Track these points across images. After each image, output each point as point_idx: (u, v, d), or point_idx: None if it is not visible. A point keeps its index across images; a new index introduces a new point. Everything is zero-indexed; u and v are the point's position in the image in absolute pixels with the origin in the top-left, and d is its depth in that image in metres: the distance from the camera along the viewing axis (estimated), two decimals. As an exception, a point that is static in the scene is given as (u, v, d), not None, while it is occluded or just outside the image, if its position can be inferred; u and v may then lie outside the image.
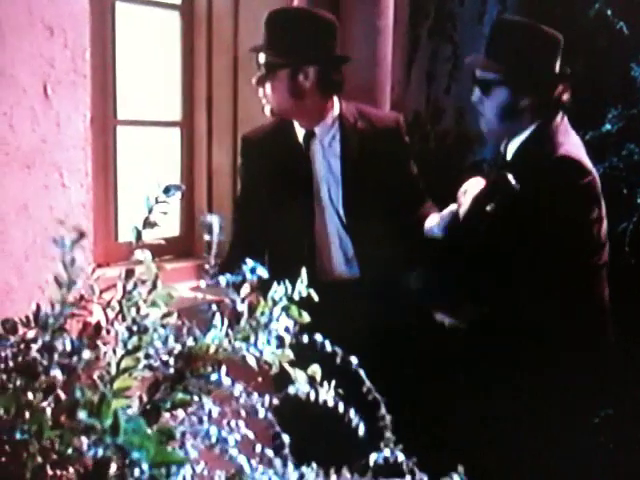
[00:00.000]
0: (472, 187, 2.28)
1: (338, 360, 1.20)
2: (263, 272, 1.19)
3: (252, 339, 1.17)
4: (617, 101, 3.02)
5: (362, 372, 1.22)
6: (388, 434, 1.23)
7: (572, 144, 2.21)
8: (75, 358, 1.01)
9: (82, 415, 0.93)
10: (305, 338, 1.20)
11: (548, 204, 2.08)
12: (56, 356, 1.06)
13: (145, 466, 0.88)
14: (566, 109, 2.26)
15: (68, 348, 1.01)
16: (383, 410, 1.23)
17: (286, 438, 1.18)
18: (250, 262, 1.19)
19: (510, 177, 2.12)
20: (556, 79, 2.25)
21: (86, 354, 1.02)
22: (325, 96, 2.47)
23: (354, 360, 1.22)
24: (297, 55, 2.37)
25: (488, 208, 2.15)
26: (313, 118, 2.48)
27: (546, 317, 2.09)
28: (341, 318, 2.31)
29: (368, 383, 1.22)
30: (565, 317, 2.10)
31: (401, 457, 1.24)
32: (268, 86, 2.40)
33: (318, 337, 1.21)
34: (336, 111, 2.51)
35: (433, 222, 2.40)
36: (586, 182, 2.14)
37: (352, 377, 1.22)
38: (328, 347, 1.20)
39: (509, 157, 2.29)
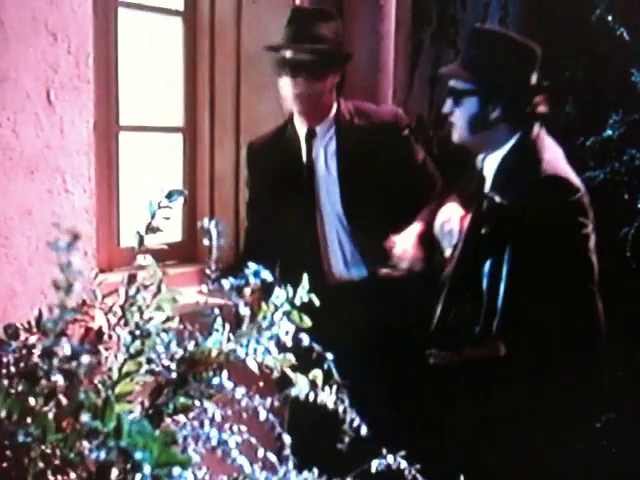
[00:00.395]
0: (452, 217, 2.26)
1: (314, 355, 1.21)
2: (267, 275, 1.19)
3: (253, 343, 1.17)
4: (618, 106, 3.02)
5: (333, 366, 1.22)
6: (351, 416, 1.22)
7: (556, 159, 2.17)
8: (75, 363, 1.02)
9: (85, 418, 0.93)
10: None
11: (538, 224, 2.04)
12: (56, 361, 1.06)
13: (148, 468, 0.89)
14: (544, 121, 2.23)
15: (68, 353, 1.02)
16: (346, 404, 1.23)
17: (287, 439, 1.18)
18: (253, 265, 1.19)
19: (497, 198, 2.11)
20: (530, 91, 2.20)
21: (86, 359, 1.02)
22: (333, 94, 2.50)
23: (329, 356, 1.22)
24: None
25: (483, 231, 2.13)
26: (319, 116, 2.50)
27: (546, 323, 2.08)
28: (347, 320, 2.32)
29: (337, 377, 1.23)
30: (564, 323, 2.10)
31: (404, 464, 1.25)
32: (291, 82, 2.41)
33: (303, 336, 1.21)
34: (334, 109, 2.52)
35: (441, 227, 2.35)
36: (576, 199, 2.11)
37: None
38: (306, 341, 1.20)
39: (489, 174, 2.24)
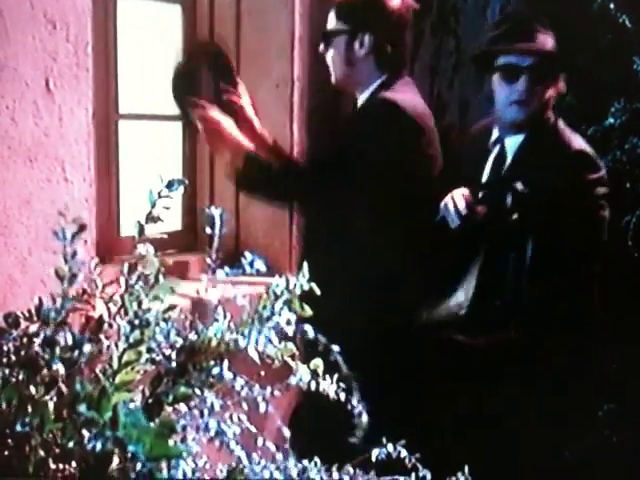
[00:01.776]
0: (453, 194, 2.27)
1: (320, 348, 1.21)
2: (261, 265, 1.19)
3: (255, 333, 1.17)
4: (620, 95, 3.01)
5: (340, 359, 1.22)
6: (362, 419, 1.22)
7: (579, 138, 2.25)
8: (76, 352, 1.02)
9: (82, 408, 0.93)
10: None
11: (565, 202, 2.09)
12: (57, 350, 1.06)
13: (143, 459, 0.88)
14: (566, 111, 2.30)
15: (69, 342, 1.01)
16: (356, 399, 1.23)
17: (287, 432, 1.18)
18: (249, 255, 1.19)
19: (519, 186, 2.13)
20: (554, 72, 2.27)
21: (87, 348, 1.02)
22: None
23: (335, 348, 1.21)
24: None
25: (509, 220, 2.14)
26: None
27: (548, 312, 2.09)
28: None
29: (345, 369, 1.22)
30: (568, 313, 2.10)
31: (404, 453, 1.25)
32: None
33: (307, 327, 1.21)
34: None
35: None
36: (601, 176, 2.19)
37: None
38: (310, 334, 1.20)
39: (510, 152, 2.30)
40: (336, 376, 1.23)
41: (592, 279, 2.18)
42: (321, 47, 2.45)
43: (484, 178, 2.37)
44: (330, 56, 2.43)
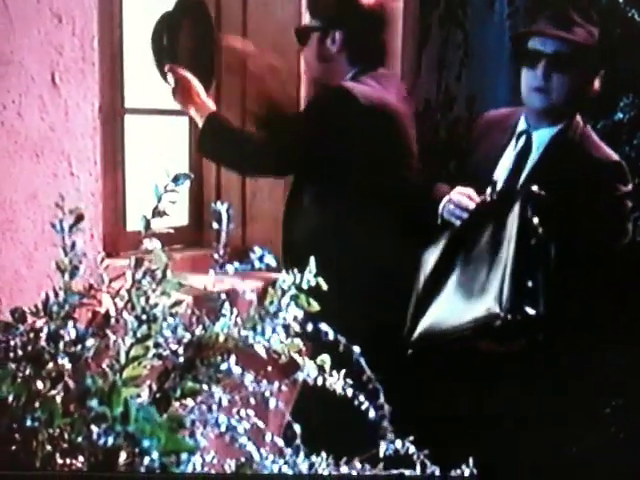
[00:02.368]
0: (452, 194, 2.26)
1: (341, 348, 1.20)
2: (271, 260, 1.19)
3: (269, 330, 1.17)
4: (629, 90, 3.00)
5: (362, 361, 1.21)
6: (385, 423, 1.22)
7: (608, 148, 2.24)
8: (80, 346, 1.01)
9: (93, 403, 0.92)
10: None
11: (589, 205, 2.09)
12: (62, 344, 1.06)
13: (155, 454, 0.88)
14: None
15: (74, 336, 1.01)
16: (382, 399, 1.22)
17: (297, 427, 1.18)
18: (258, 250, 1.18)
19: (535, 189, 2.11)
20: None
21: (91, 342, 1.02)
22: None
23: (356, 349, 1.21)
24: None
25: (533, 226, 2.12)
26: None
27: (560, 311, 2.08)
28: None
29: (368, 372, 1.22)
30: (579, 311, 2.10)
31: (412, 449, 1.24)
32: None
33: (323, 326, 1.20)
34: None
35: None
36: (629, 191, 2.19)
37: None
38: (331, 335, 1.19)
39: (537, 148, 2.27)
40: (343, 372, 1.22)
41: (606, 282, 2.18)
42: (297, 44, 2.48)
43: (500, 171, 2.33)
44: (304, 53, 2.46)
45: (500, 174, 2.32)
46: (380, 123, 2.34)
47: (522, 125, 2.32)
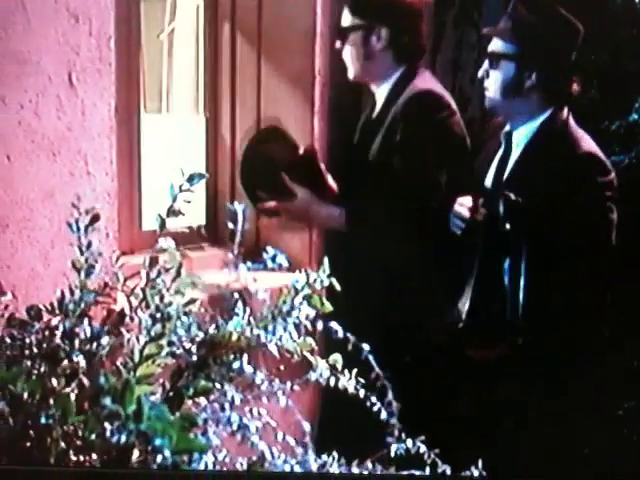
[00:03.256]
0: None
1: (350, 347, 1.21)
2: (283, 260, 1.19)
3: (280, 329, 1.17)
4: (645, 90, 2.98)
5: (372, 359, 1.22)
6: (394, 421, 1.23)
7: (590, 140, 2.21)
8: (96, 344, 1.02)
9: (106, 401, 0.93)
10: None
11: (569, 201, 2.07)
12: (78, 342, 1.07)
13: (167, 453, 0.89)
14: (575, 102, 2.25)
15: (89, 334, 1.02)
16: (390, 397, 1.23)
17: (307, 426, 1.18)
18: (271, 250, 1.19)
19: (512, 196, 2.12)
20: (569, 67, 2.23)
21: (105, 340, 1.03)
22: None
23: (366, 347, 1.21)
24: None
25: (503, 230, 2.14)
26: None
27: (569, 310, 2.08)
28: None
29: (377, 369, 1.22)
30: (586, 309, 2.10)
31: (423, 448, 1.25)
32: None
33: (333, 324, 1.21)
34: None
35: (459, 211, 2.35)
36: (610, 180, 2.15)
37: None
38: (340, 334, 1.20)
39: (517, 147, 2.27)
40: (355, 371, 1.23)
41: (603, 282, 2.16)
42: (337, 43, 2.46)
43: (490, 175, 2.34)
44: (347, 52, 2.44)
45: (490, 179, 2.34)
46: (457, 120, 2.36)
47: (508, 126, 2.33)
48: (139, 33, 2.58)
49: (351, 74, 2.45)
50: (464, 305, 2.22)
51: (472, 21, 3.26)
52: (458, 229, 2.27)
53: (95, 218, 1.12)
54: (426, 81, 2.38)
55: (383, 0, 2.41)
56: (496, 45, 2.28)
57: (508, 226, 2.12)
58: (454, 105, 2.37)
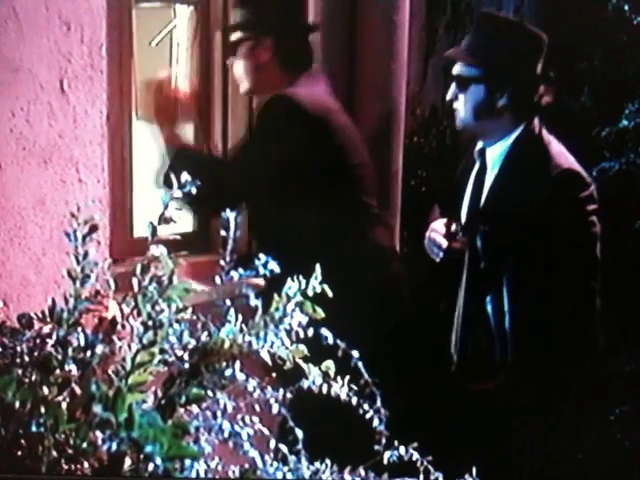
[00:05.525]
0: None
1: (339, 353, 1.21)
2: (275, 267, 1.19)
3: (271, 335, 1.17)
4: (634, 97, 3.00)
5: (361, 365, 1.22)
6: (381, 427, 1.23)
7: (564, 152, 2.16)
8: (89, 353, 1.02)
9: (97, 409, 0.93)
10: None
11: (549, 223, 2.03)
12: (70, 351, 1.06)
13: (159, 460, 0.89)
14: (548, 112, 2.21)
15: (82, 343, 1.02)
16: (379, 403, 1.23)
17: (300, 433, 1.18)
18: (263, 257, 1.19)
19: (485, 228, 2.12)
20: (537, 80, 2.18)
21: (99, 349, 1.02)
22: None
23: (355, 354, 1.21)
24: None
25: (482, 266, 2.13)
26: None
27: (554, 325, 2.07)
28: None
29: (366, 376, 1.22)
30: (570, 324, 2.09)
31: (416, 455, 1.24)
32: None
33: (324, 331, 1.21)
34: None
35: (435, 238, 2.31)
36: (589, 194, 2.10)
37: None
38: (330, 340, 1.20)
39: (491, 167, 2.23)
40: (347, 378, 1.23)
41: (592, 297, 2.13)
42: (228, 59, 2.45)
43: (467, 194, 2.30)
44: (235, 66, 2.42)
45: (466, 199, 2.30)
46: (324, 124, 2.28)
47: (480, 143, 2.28)
48: (131, 40, 2.59)
49: (244, 87, 2.43)
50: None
51: (464, 27, 3.27)
52: (436, 256, 2.24)
53: (93, 228, 1.12)
54: (299, 86, 2.32)
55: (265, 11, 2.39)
56: (461, 69, 2.22)
57: (482, 264, 2.10)
58: (320, 110, 2.30)
